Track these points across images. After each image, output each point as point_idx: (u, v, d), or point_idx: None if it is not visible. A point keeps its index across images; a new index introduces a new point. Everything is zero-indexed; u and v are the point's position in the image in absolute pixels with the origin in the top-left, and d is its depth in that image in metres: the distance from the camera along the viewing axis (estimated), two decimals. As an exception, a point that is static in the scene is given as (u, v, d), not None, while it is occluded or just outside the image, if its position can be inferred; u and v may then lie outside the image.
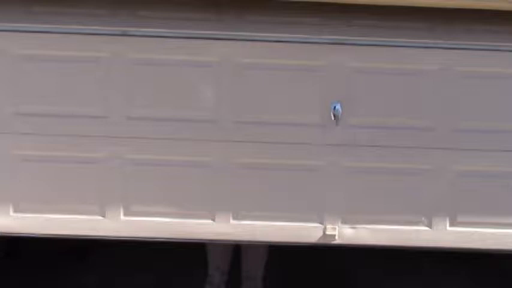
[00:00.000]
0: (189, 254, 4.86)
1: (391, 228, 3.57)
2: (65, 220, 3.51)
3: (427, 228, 3.57)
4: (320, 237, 3.56)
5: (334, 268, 5.05)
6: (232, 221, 3.55)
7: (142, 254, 5.33)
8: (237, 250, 4.07)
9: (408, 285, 4.56)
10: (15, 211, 3.51)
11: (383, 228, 3.57)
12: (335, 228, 3.54)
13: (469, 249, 3.62)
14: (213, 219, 3.54)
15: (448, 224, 3.57)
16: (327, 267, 5.09)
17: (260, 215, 3.55)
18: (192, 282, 4.50)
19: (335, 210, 3.55)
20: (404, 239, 3.58)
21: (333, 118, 3.50)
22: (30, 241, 5.05)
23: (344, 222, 3.56)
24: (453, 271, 4.69)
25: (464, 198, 3.56)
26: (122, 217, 3.52)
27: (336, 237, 3.54)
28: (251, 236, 3.57)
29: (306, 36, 3.46)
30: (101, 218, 3.52)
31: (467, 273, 4.68)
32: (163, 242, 4.20)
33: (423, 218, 3.57)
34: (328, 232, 3.54)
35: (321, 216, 3.55)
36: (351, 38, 3.47)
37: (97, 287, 4.82)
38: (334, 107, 3.49)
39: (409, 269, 4.68)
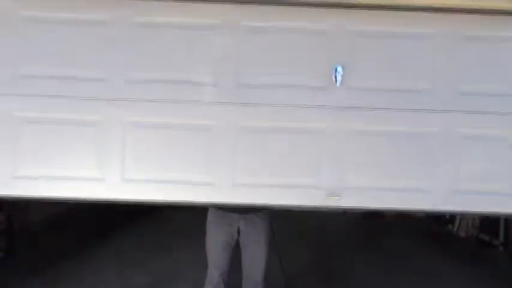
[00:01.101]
0: (189, 253, 4.87)
1: (393, 192, 3.53)
2: (64, 183, 3.48)
3: (429, 191, 3.53)
4: (322, 201, 3.52)
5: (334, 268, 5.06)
6: (232, 185, 3.51)
7: (141, 253, 5.37)
8: (237, 249, 4.03)
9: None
10: (15, 174, 3.48)
11: (385, 191, 3.53)
12: (337, 192, 3.51)
13: (472, 213, 3.59)
14: (213, 183, 3.50)
15: (450, 188, 3.53)
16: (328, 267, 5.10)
17: (261, 179, 3.51)
18: (191, 282, 4.49)
19: (337, 173, 3.52)
20: (407, 203, 3.54)
21: (334, 80, 3.48)
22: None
23: (346, 185, 3.52)
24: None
25: (466, 161, 3.53)
26: (121, 180, 3.49)
27: (338, 200, 3.51)
28: (251, 199, 3.53)
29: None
30: (100, 180, 3.49)
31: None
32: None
33: (425, 182, 3.54)
34: (330, 196, 3.51)
35: (322, 180, 3.52)
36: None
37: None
38: (336, 69, 3.48)
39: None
